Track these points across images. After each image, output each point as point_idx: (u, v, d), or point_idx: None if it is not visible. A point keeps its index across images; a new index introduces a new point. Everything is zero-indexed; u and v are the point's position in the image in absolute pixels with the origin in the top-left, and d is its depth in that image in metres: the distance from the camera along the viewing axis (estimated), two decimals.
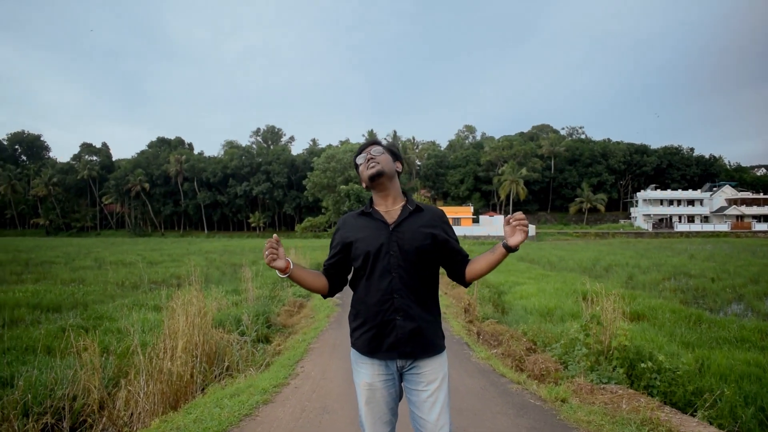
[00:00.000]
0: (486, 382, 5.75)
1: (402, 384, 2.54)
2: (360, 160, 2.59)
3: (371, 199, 2.65)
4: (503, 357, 7.56)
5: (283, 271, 2.44)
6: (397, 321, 2.39)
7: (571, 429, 4.19)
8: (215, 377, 6.61)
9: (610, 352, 6.50)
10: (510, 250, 2.42)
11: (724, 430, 5.14)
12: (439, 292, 14.15)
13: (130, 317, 10.02)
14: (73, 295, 14.42)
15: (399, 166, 2.65)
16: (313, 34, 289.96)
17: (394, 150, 2.63)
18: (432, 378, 2.42)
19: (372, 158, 2.52)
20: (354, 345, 2.56)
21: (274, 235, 2.45)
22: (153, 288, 16.87)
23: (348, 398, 5.15)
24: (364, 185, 2.64)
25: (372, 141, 2.63)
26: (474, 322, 10.09)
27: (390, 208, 2.55)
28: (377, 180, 2.52)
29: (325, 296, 2.66)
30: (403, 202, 2.58)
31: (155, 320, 9.47)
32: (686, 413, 5.26)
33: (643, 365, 6.27)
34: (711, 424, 4.89)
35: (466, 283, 2.63)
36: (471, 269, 2.56)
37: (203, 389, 6.12)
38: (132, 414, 5.49)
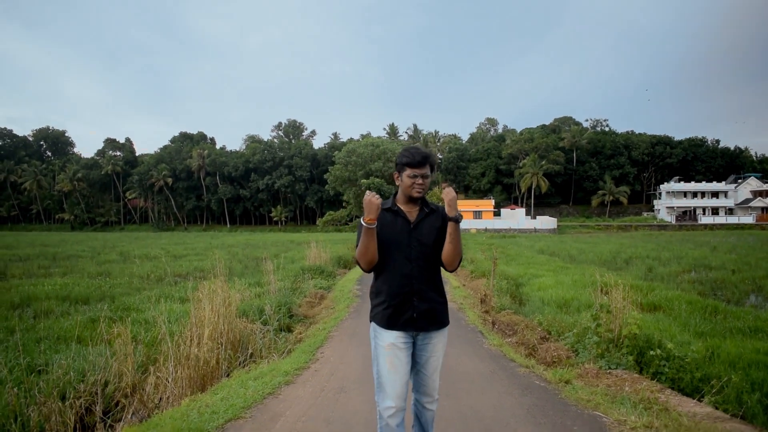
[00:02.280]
0: (496, 366, 6.05)
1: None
2: (409, 173, 3.02)
3: (395, 195, 3.18)
4: (517, 345, 7.79)
5: (371, 221, 2.89)
6: (414, 301, 2.98)
7: (570, 406, 4.49)
8: (239, 363, 6.95)
9: (621, 340, 6.69)
10: (451, 220, 2.98)
11: (728, 414, 5.29)
12: (457, 284, 14.44)
13: (156, 308, 10.41)
14: (100, 288, 14.85)
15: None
16: (334, 28, 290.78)
17: (434, 165, 3.06)
18: (439, 346, 3.09)
19: (421, 183, 3.01)
20: (373, 319, 3.12)
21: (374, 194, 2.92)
22: (177, 281, 17.31)
23: (364, 381, 5.50)
24: (397, 182, 3.12)
25: (425, 156, 3.02)
26: (490, 312, 10.31)
27: (411, 209, 3.09)
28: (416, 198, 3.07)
29: (369, 269, 3.06)
30: (419, 204, 3.13)
31: (181, 311, 9.83)
32: (693, 398, 5.44)
33: (652, 353, 6.45)
34: (717, 408, 5.05)
35: (446, 266, 3.11)
36: (443, 250, 3.08)
37: (228, 374, 6.44)
38: (161, 398, 5.81)
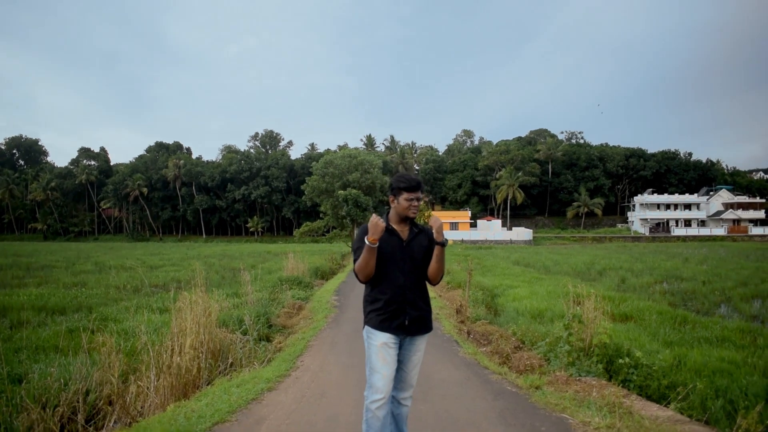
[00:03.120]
0: (470, 373, 6.28)
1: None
2: (406, 196, 3.47)
3: (387, 214, 3.61)
4: (491, 354, 8.00)
5: (375, 241, 3.31)
6: (407, 309, 3.44)
7: (539, 409, 4.74)
8: (220, 372, 7.05)
9: (591, 349, 6.94)
10: (438, 244, 3.46)
11: (692, 419, 5.53)
12: (433, 295, 14.65)
13: (135, 318, 10.43)
14: (76, 298, 14.78)
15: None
16: (311, 38, 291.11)
17: (424, 190, 3.53)
18: (421, 347, 3.56)
19: (416, 205, 3.48)
20: (368, 323, 3.52)
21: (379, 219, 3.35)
22: (154, 291, 17.26)
23: (343, 387, 5.68)
24: (393, 204, 3.56)
25: (419, 182, 3.50)
26: (465, 322, 10.52)
27: (403, 228, 3.54)
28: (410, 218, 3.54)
29: (366, 281, 3.49)
30: (408, 224, 3.59)
31: (159, 321, 9.88)
32: (659, 404, 5.67)
33: (621, 361, 6.71)
34: (682, 413, 5.29)
35: (431, 280, 3.60)
36: (429, 267, 3.56)
37: (209, 383, 6.54)
38: (143, 405, 5.89)
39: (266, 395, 5.34)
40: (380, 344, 3.41)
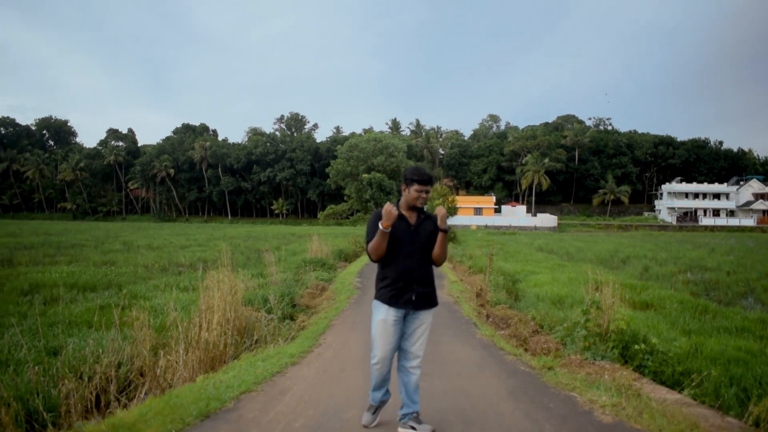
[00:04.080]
0: (485, 353, 6.50)
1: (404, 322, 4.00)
2: (417, 188, 3.88)
3: (398, 202, 4.01)
4: (509, 337, 8.16)
5: (388, 227, 3.77)
6: (414, 287, 3.87)
7: (549, 388, 4.93)
8: (246, 348, 7.33)
9: (608, 335, 7.06)
10: (441, 231, 3.92)
11: (704, 404, 5.63)
12: (454, 279, 14.82)
13: (164, 296, 10.77)
14: (106, 276, 15.18)
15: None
16: (336, 21, 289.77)
17: (434, 184, 3.93)
18: (425, 321, 3.97)
19: (425, 197, 3.90)
20: (377, 296, 4.00)
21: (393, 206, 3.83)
22: (181, 271, 17.68)
23: (362, 362, 5.95)
24: (404, 193, 3.98)
25: (430, 176, 3.95)
26: (485, 306, 10.68)
27: (411, 215, 3.97)
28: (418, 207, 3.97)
29: (377, 261, 3.96)
30: (416, 211, 4.01)
31: (187, 299, 10.20)
32: (673, 390, 5.79)
33: (636, 347, 6.83)
34: (695, 399, 5.39)
35: (435, 262, 4.07)
36: (433, 251, 4.00)
37: (235, 358, 6.82)
38: (172, 378, 6.19)
39: (290, 369, 5.63)
40: (379, 320, 3.91)
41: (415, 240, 3.90)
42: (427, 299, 3.94)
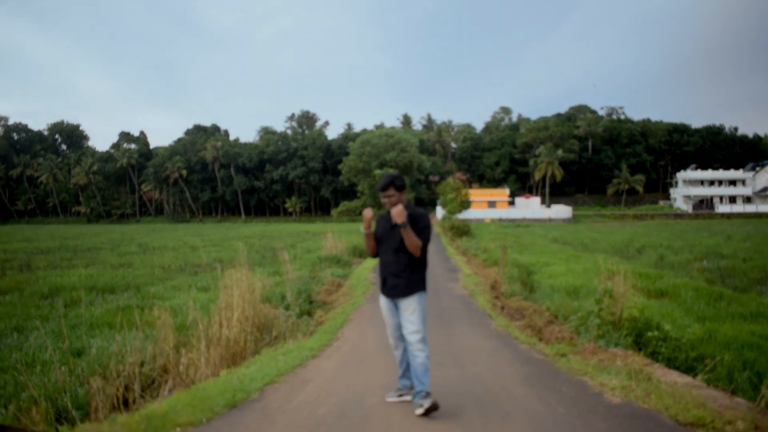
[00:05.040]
0: (500, 343, 6.67)
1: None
2: (381, 194, 4.37)
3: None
4: (524, 328, 8.29)
5: (366, 228, 4.40)
6: (389, 278, 4.36)
7: (562, 373, 5.09)
8: (266, 344, 7.53)
9: (621, 323, 7.17)
10: (397, 226, 4.25)
11: (717, 388, 5.72)
12: (469, 272, 14.94)
13: (183, 296, 11.01)
14: (124, 278, 15.48)
15: (403, 194, 4.38)
16: (345, 17, 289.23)
17: (400, 184, 4.35)
18: (407, 308, 4.30)
19: (387, 201, 4.30)
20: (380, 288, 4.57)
21: (370, 209, 4.39)
22: (197, 271, 17.95)
23: (380, 354, 6.16)
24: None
25: (384, 184, 4.32)
26: (500, 297, 10.80)
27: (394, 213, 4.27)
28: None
29: (372, 256, 4.59)
30: None
31: (205, 299, 10.43)
32: (687, 375, 5.88)
33: (650, 334, 6.93)
34: (707, 384, 5.47)
35: (411, 253, 4.35)
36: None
37: (256, 354, 7.01)
38: (195, 375, 6.38)
39: (310, 362, 5.84)
40: (382, 304, 4.54)
41: (390, 237, 4.34)
42: (397, 289, 4.32)
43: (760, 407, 4.12)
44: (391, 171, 46.83)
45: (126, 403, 5.67)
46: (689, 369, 6.42)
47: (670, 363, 6.56)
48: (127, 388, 6.07)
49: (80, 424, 4.63)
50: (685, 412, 3.66)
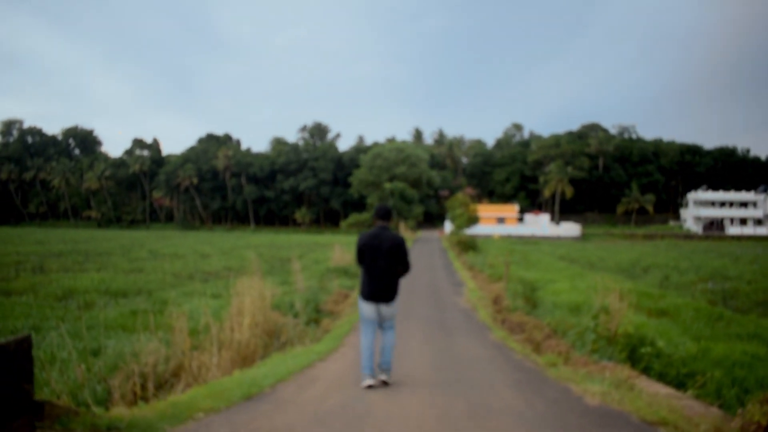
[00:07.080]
0: (496, 352, 7.07)
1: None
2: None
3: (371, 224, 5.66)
4: (524, 342, 8.60)
5: None
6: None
7: (550, 380, 5.47)
8: (275, 349, 7.90)
9: (616, 338, 7.47)
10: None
11: (697, 400, 5.99)
12: (473, 287, 15.24)
13: (194, 302, 11.40)
14: (136, 283, 15.89)
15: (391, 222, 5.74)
16: (359, 29, 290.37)
17: (390, 215, 5.77)
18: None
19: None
20: (360, 293, 5.56)
21: None
22: (207, 278, 18.31)
23: None
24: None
25: (379, 213, 5.76)
26: (502, 311, 11.10)
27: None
28: None
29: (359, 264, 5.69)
30: None
31: (217, 305, 10.80)
32: (678, 389, 6.17)
33: (643, 349, 7.23)
34: (690, 397, 5.76)
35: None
36: None
37: (265, 358, 7.37)
38: (207, 375, 6.74)
39: (318, 364, 6.27)
40: (363, 305, 5.49)
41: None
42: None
43: (729, 415, 4.43)
44: (400, 185, 47.26)
45: (143, 399, 6.02)
46: (680, 384, 6.66)
47: (662, 378, 6.83)
48: (142, 386, 6.44)
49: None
50: (654, 414, 4.04)
